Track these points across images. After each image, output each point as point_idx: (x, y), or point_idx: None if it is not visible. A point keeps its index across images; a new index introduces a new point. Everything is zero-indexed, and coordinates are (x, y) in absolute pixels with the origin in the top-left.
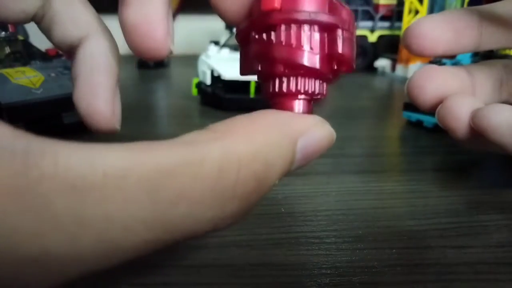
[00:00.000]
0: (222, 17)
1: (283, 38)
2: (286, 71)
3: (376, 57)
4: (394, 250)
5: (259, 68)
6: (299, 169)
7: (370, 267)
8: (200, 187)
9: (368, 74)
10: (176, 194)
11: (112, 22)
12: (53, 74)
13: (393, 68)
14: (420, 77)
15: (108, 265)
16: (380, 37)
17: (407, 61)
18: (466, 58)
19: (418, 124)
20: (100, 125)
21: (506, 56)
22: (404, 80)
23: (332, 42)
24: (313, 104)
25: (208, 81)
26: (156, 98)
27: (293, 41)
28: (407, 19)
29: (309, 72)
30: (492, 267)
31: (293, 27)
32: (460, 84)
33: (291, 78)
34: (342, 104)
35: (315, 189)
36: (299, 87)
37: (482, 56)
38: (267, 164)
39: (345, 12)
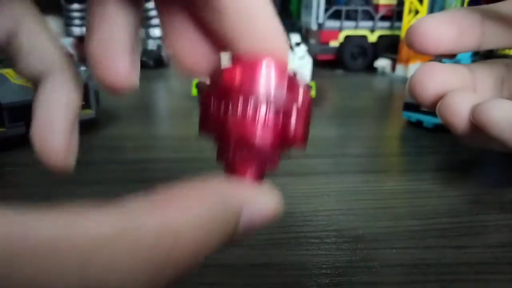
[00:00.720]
0: (182, 68)
1: (239, 113)
2: (238, 142)
3: (376, 57)
4: (394, 250)
5: (215, 134)
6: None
7: (370, 267)
8: (134, 257)
9: (368, 74)
10: (108, 263)
11: None
12: None
13: (393, 68)
14: (421, 73)
15: None
16: (380, 37)
17: (407, 61)
18: (466, 57)
19: (418, 124)
20: (53, 162)
21: (506, 56)
22: (404, 80)
23: (286, 121)
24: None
25: (208, 81)
26: (156, 98)
27: (248, 118)
28: (407, 19)
29: (261, 147)
30: (492, 267)
31: (250, 105)
32: (462, 81)
33: (244, 150)
34: (342, 104)
35: (315, 189)
36: (249, 158)
37: (482, 56)
38: (206, 234)
39: (303, 93)
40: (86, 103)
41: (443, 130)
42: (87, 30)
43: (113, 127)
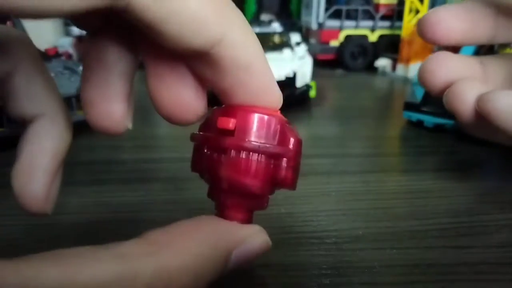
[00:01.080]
0: (158, 112)
1: (231, 162)
2: (230, 189)
3: (376, 57)
4: (394, 250)
5: (208, 177)
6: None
7: (370, 267)
8: None
9: (368, 74)
10: None
11: None
12: (52, 74)
13: (394, 67)
14: (432, 62)
15: None
16: (381, 37)
17: (407, 61)
18: (468, 53)
19: (419, 124)
20: (31, 208)
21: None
22: (404, 80)
23: (277, 168)
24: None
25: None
26: None
27: (241, 167)
28: (407, 19)
29: (251, 194)
30: (493, 267)
31: (242, 154)
32: (472, 72)
33: (234, 196)
34: (342, 104)
35: (315, 189)
36: (241, 204)
37: (484, 53)
38: (197, 276)
39: (293, 141)
40: None
41: (444, 130)
42: (83, 74)
43: None
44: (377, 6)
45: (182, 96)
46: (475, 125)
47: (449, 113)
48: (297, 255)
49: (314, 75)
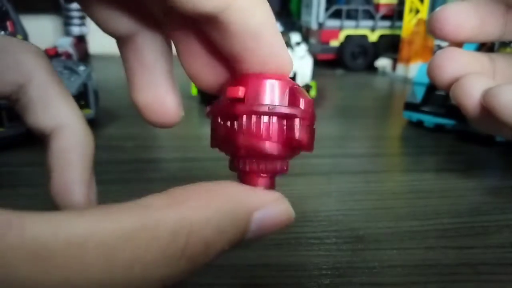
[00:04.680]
0: (198, 86)
1: (244, 127)
2: (248, 155)
3: (376, 57)
4: (394, 251)
5: (226, 148)
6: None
7: (370, 267)
8: (154, 249)
9: (368, 74)
10: (131, 257)
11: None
12: None
13: (394, 67)
14: (442, 57)
15: None
16: (381, 37)
17: (407, 61)
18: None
19: (419, 124)
20: None
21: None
22: (404, 80)
23: (290, 129)
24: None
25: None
26: None
27: (253, 130)
28: (407, 19)
29: (268, 157)
30: (493, 267)
31: (254, 118)
32: (480, 67)
33: (253, 161)
34: (342, 104)
35: (315, 189)
36: (260, 168)
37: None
38: (218, 231)
39: (304, 102)
40: (85, 103)
41: (444, 130)
42: (129, 79)
43: (113, 127)
44: (377, 6)
45: (213, 67)
46: (480, 120)
47: (449, 113)
48: (297, 255)
49: (314, 75)
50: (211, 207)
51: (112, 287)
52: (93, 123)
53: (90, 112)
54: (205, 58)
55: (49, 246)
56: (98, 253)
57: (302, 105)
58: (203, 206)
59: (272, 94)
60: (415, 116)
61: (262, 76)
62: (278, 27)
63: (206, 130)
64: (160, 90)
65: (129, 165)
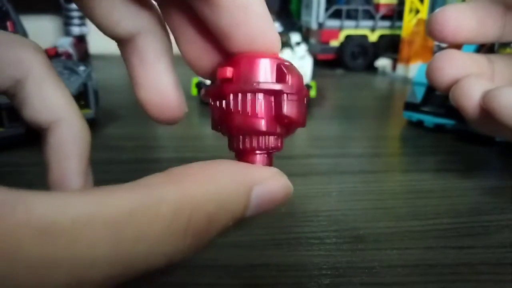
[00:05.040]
0: (195, 72)
1: (232, 106)
2: (240, 133)
3: (376, 57)
4: (394, 251)
5: (223, 129)
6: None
7: (370, 267)
8: (157, 226)
9: (368, 74)
10: (136, 233)
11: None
12: None
13: (394, 67)
14: (441, 59)
15: None
16: (381, 37)
17: (407, 61)
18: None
19: (419, 124)
20: None
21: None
22: (404, 80)
23: (278, 105)
24: (272, 156)
25: (208, 81)
26: None
27: (241, 108)
28: (407, 19)
29: (259, 133)
30: (493, 267)
31: (240, 96)
32: (479, 69)
33: (246, 138)
34: (342, 104)
35: (315, 189)
36: (253, 145)
37: (484, 53)
38: (219, 207)
39: (292, 77)
40: (85, 103)
41: (444, 130)
42: (131, 78)
43: (113, 127)
44: (377, 6)
45: (213, 54)
46: (480, 121)
47: (449, 113)
48: (297, 255)
49: (314, 75)
50: (211, 183)
51: (118, 262)
52: (93, 123)
53: (90, 112)
54: (201, 43)
55: (57, 224)
56: (104, 229)
57: (289, 80)
58: (204, 183)
59: (259, 72)
60: (415, 116)
61: (250, 55)
62: (277, 26)
63: (206, 130)
64: (163, 87)
65: (129, 165)
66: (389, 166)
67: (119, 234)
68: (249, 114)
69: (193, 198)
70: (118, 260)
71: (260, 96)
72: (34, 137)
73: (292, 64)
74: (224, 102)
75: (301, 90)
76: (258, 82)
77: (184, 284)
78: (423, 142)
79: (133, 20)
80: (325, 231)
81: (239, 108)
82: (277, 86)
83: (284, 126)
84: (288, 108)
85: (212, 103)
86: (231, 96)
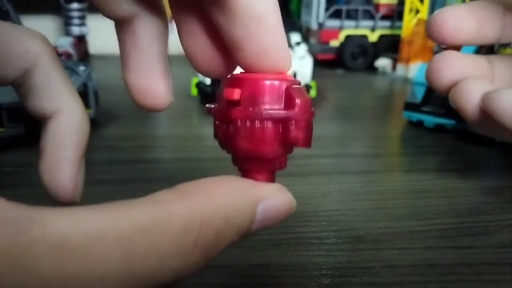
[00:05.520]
0: (194, 67)
1: (240, 132)
2: (246, 156)
3: (376, 57)
4: (394, 251)
5: (226, 147)
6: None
7: (370, 267)
8: (167, 241)
9: (368, 74)
10: (147, 248)
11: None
12: None
13: (394, 67)
14: (440, 60)
15: None
16: (381, 37)
17: (407, 61)
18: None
19: (419, 124)
20: (61, 198)
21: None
22: (404, 80)
23: (286, 130)
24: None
25: (208, 80)
26: None
27: (249, 135)
28: (407, 19)
29: (266, 158)
30: (493, 267)
31: (249, 123)
32: (479, 70)
33: (252, 161)
34: (342, 104)
35: (315, 189)
36: (258, 168)
37: (484, 53)
38: (227, 222)
39: (300, 102)
40: (85, 103)
41: (444, 130)
42: (122, 60)
43: (113, 127)
44: (377, 6)
45: (214, 51)
46: (480, 123)
47: (449, 113)
48: (297, 255)
49: (314, 75)
50: (219, 200)
51: (129, 277)
52: (93, 123)
53: (90, 112)
54: (204, 40)
55: (70, 240)
56: (116, 245)
57: (298, 105)
58: (212, 199)
59: (267, 97)
60: (415, 116)
61: (258, 76)
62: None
63: (206, 130)
64: (151, 73)
65: (129, 165)
66: (389, 166)
67: (130, 249)
68: (258, 142)
69: (202, 213)
70: (128, 275)
71: (269, 124)
72: (34, 137)
73: (300, 85)
74: (231, 126)
75: (309, 113)
76: (267, 109)
77: (184, 284)
78: (423, 142)
79: (133, 1)
80: (325, 231)
81: (248, 135)
82: (286, 114)
83: (289, 147)
84: (295, 133)
85: (219, 124)
86: (239, 122)
